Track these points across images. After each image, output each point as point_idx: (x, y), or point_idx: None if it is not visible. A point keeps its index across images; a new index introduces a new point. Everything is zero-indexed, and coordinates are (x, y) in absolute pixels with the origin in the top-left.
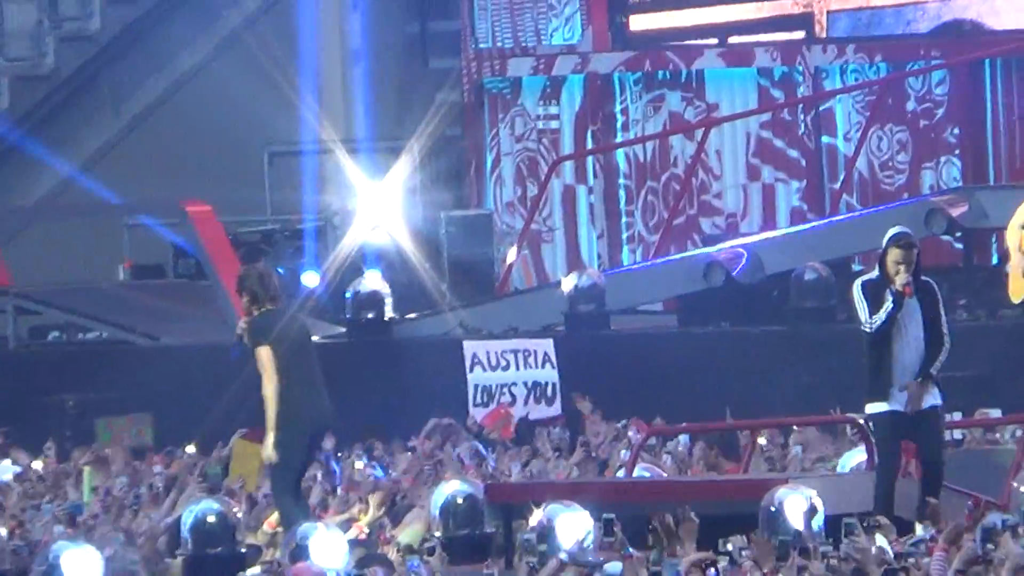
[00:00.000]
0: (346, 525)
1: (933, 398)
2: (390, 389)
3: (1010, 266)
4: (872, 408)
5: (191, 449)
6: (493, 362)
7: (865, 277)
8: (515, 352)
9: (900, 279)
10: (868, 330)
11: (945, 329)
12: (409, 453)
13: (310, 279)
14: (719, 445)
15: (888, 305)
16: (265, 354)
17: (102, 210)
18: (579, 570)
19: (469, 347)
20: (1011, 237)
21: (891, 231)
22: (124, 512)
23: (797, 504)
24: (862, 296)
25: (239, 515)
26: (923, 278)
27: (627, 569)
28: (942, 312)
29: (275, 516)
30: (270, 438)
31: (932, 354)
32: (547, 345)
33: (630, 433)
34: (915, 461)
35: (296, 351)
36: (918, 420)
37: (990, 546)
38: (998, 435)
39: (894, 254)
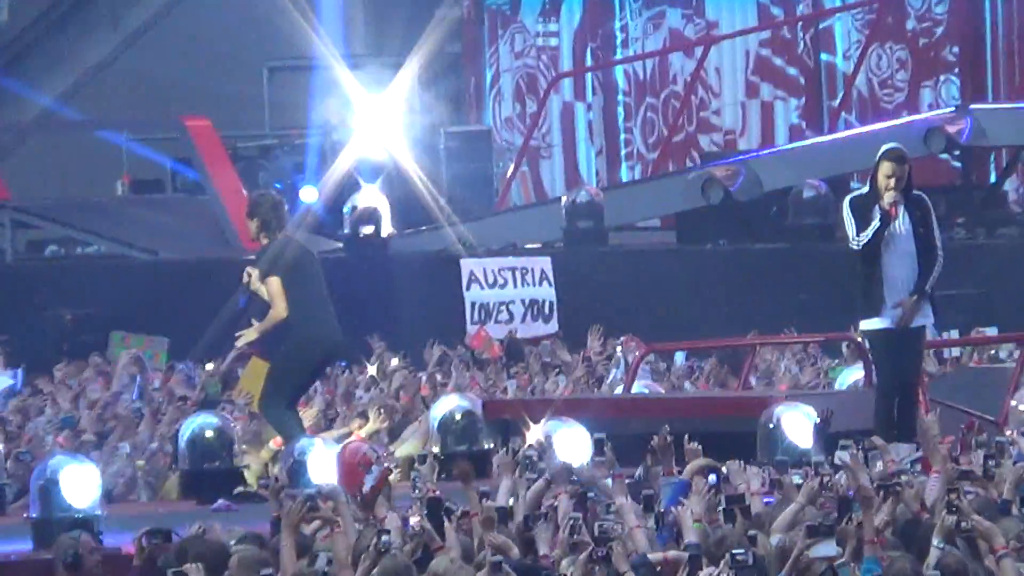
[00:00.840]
0: (344, 440)
1: (923, 317)
2: (387, 305)
3: None
4: (867, 324)
5: (210, 366)
6: (490, 280)
7: (855, 193)
8: (512, 269)
9: (888, 196)
10: (856, 247)
11: (939, 243)
12: (406, 370)
13: (308, 194)
14: (729, 362)
15: (875, 222)
16: (276, 284)
17: (100, 125)
18: (573, 488)
19: (466, 265)
20: None
21: (884, 146)
22: (130, 425)
23: (795, 421)
24: (851, 212)
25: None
26: (915, 192)
27: (617, 487)
28: (935, 226)
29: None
30: (251, 333)
31: (925, 270)
32: (545, 263)
33: (617, 351)
34: None
35: (308, 280)
36: (907, 338)
37: (991, 463)
38: (994, 352)
39: (885, 168)
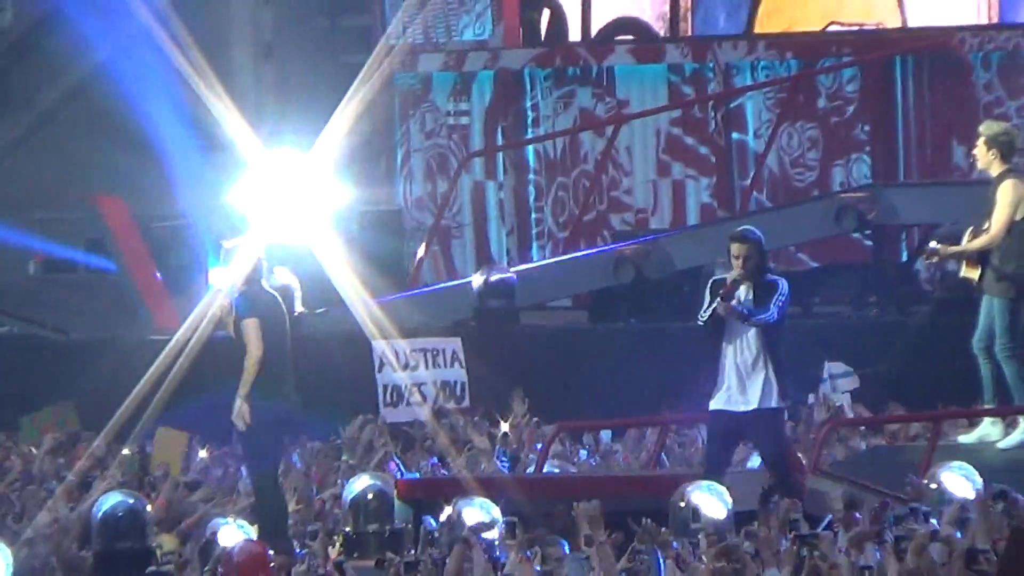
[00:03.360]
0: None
1: (771, 399)
2: (299, 385)
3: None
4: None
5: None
6: (402, 361)
7: (719, 275)
8: (424, 351)
9: (730, 275)
10: (700, 322)
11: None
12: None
13: (218, 277)
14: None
15: (713, 300)
16: (253, 326)
17: (11, 205)
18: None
19: (377, 347)
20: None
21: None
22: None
23: (706, 500)
24: (708, 291)
25: (151, 510)
26: (770, 277)
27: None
28: (773, 306)
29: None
30: (240, 402)
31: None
32: (455, 343)
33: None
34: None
35: (276, 334)
36: (753, 418)
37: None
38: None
39: (731, 248)
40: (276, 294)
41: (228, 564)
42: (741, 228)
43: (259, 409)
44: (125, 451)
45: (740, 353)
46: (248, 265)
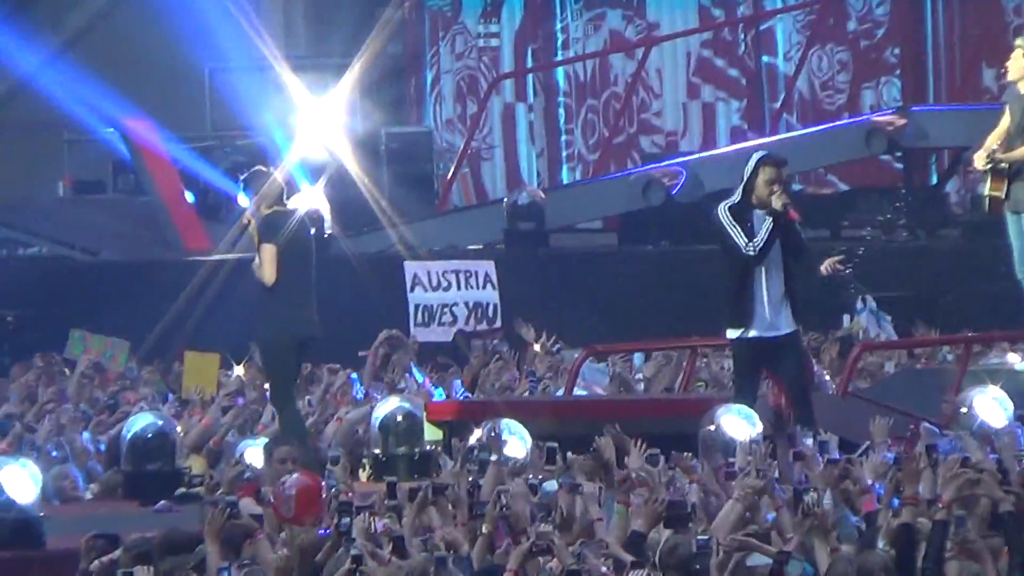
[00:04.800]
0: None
1: (789, 324)
2: (330, 306)
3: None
4: (733, 334)
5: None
6: (434, 282)
7: (729, 202)
8: (456, 272)
9: (779, 199)
10: (752, 252)
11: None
12: (343, 372)
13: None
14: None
15: (768, 224)
16: (270, 252)
17: (42, 126)
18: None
19: (410, 267)
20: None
21: (761, 154)
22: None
23: (735, 423)
24: (731, 218)
25: (181, 432)
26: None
27: (562, 494)
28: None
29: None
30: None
31: (797, 274)
32: (488, 266)
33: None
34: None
35: (300, 257)
36: (783, 342)
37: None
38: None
39: (766, 173)
40: (304, 216)
41: (281, 496)
42: (771, 153)
43: (281, 331)
44: (149, 369)
45: (773, 281)
46: (272, 189)
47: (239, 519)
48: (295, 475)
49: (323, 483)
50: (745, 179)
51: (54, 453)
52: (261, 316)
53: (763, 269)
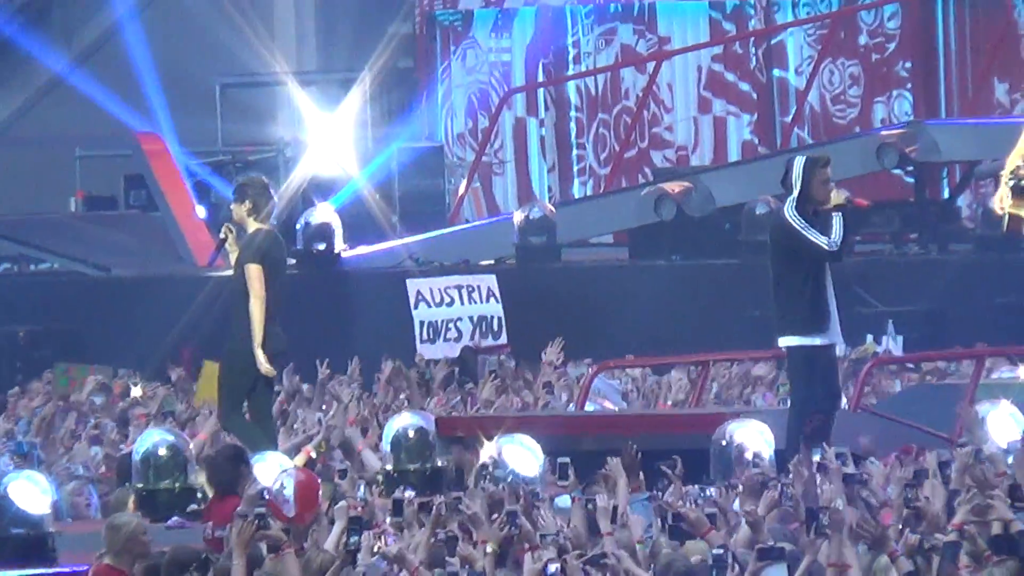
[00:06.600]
0: (294, 451)
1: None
2: (338, 322)
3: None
4: (811, 341)
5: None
6: (437, 299)
7: (790, 205)
8: (459, 288)
9: (840, 193)
10: (835, 249)
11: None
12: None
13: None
14: None
15: (839, 220)
16: (257, 272)
17: (54, 141)
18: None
19: (412, 285)
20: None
21: (805, 157)
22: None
23: (749, 437)
24: (802, 219)
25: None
26: None
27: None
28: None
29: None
30: (261, 354)
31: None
32: (490, 280)
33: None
34: None
35: (276, 278)
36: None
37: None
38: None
39: (823, 174)
40: (279, 234)
41: (280, 498)
42: (821, 155)
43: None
44: (161, 388)
45: (831, 286)
46: (264, 203)
47: (269, 531)
48: (287, 475)
49: (318, 480)
50: (799, 185)
51: (72, 469)
52: (237, 329)
53: (829, 273)
